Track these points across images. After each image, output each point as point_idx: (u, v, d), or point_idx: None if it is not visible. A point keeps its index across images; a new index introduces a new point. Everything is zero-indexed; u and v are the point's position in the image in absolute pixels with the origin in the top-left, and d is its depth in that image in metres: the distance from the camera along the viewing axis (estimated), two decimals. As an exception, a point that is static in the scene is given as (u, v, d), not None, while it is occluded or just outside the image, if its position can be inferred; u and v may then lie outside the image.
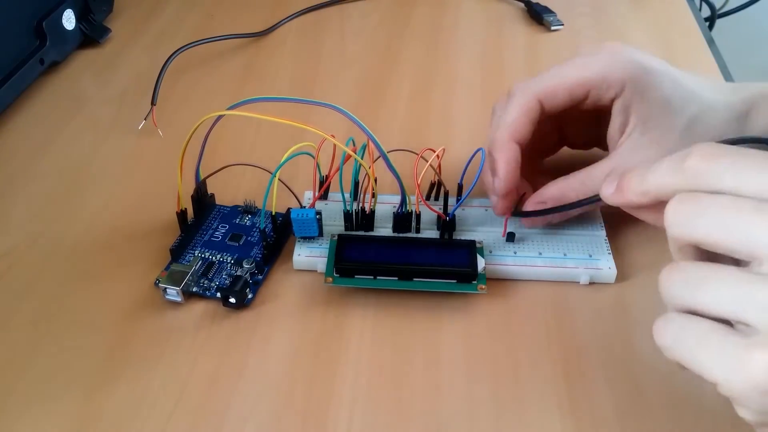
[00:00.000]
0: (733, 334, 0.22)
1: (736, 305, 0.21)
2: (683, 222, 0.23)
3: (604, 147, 0.39)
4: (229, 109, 0.33)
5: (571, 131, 0.40)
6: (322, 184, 0.38)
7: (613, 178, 0.26)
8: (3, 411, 0.30)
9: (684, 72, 0.36)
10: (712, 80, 0.38)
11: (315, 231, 0.36)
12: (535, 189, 0.36)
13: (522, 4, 0.61)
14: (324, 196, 0.39)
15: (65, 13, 0.52)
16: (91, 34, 0.55)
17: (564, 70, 0.35)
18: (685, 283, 0.23)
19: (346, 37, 0.57)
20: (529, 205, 0.36)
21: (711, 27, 0.81)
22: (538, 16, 0.58)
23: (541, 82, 0.35)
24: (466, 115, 0.48)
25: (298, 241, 0.37)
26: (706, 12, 0.81)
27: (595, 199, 0.29)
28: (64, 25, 0.52)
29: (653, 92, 0.34)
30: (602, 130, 0.37)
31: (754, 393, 0.21)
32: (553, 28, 0.57)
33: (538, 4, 0.59)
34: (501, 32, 0.58)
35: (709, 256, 0.23)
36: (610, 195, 0.27)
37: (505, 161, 0.34)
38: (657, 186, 0.24)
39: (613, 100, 0.35)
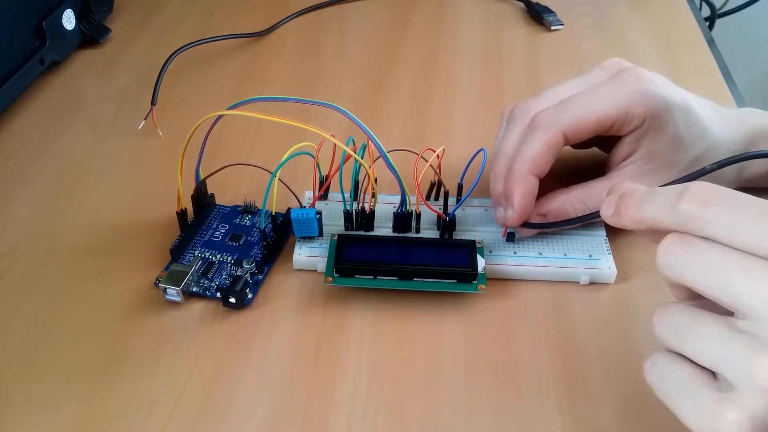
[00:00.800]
0: (709, 387, 0.22)
1: (715, 360, 0.22)
2: (673, 265, 0.24)
3: (604, 149, 0.40)
4: (229, 108, 0.33)
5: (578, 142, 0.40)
6: (322, 183, 0.38)
7: (613, 198, 0.27)
8: (3, 411, 0.30)
9: (700, 101, 0.36)
10: (722, 112, 0.38)
11: (315, 231, 0.36)
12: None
13: (522, 4, 0.61)
14: (324, 196, 0.39)
15: (65, 13, 0.52)
16: (91, 34, 0.55)
17: (590, 102, 0.34)
18: (673, 328, 0.24)
19: (346, 36, 0.57)
20: (531, 217, 0.36)
21: (711, 27, 0.81)
22: (538, 16, 0.58)
23: (567, 116, 0.34)
24: (466, 115, 0.48)
25: (298, 241, 0.37)
26: (706, 12, 0.81)
27: (595, 216, 0.29)
28: (64, 25, 0.52)
29: (668, 128, 0.35)
30: (605, 135, 0.37)
31: None
32: (553, 28, 0.57)
33: (538, 4, 0.59)
34: (501, 32, 0.58)
35: (699, 295, 0.24)
36: (608, 216, 0.27)
37: (522, 194, 0.34)
38: (651, 218, 0.24)
39: (629, 132, 0.35)
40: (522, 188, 0.34)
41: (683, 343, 0.24)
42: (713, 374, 0.23)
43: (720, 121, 0.37)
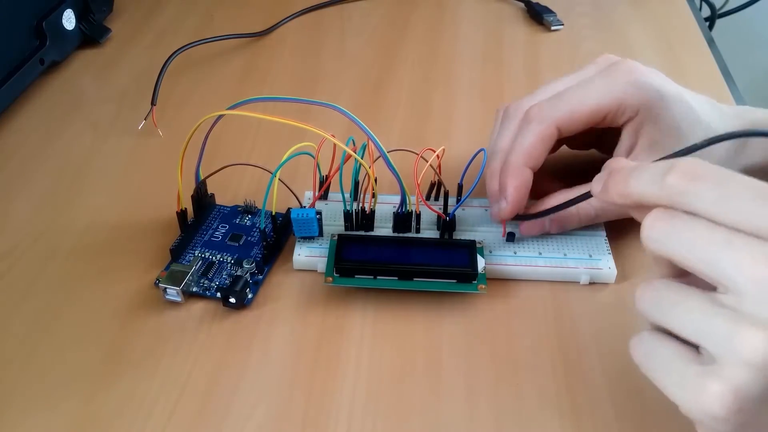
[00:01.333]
0: (693, 362, 0.23)
1: (699, 333, 0.23)
2: (657, 239, 0.24)
3: (603, 150, 0.40)
4: (229, 108, 0.33)
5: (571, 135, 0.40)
6: (322, 183, 0.38)
7: (603, 174, 0.27)
8: (3, 410, 0.30)
9: (694, 95, 0.36)
10: (718, 106, 0.38)
11: (315, 231, 0.36)
12: (533, 187, 0.36)
13: (522, 4, 0.61)
14: (324, 196, 0.39)
15: (65, 13, 0.52)
16: (91, 34, 0.55)
17: (582, 95, 0.35)
18: (657, 303, 0.24)
19: (346, 37, 0.57)
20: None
21: (711, 27, 0.81)
22: (538, 16, 0.58)
23: (559, 109, 0.34)
24: (466, 115, 0.48)
25: (298, 241, 0.37)
26: (706, 12, 0.81)
27: (588, 196, 0.29)
28: (64, 25, 0.52)
29: (664, 117, 0.35)
30: (604, 136, 0.37)
31: (707, 419, 0.22)
32: (553, 28, 0.57)
33: (538, 4, 0.59)
34: (501, 32, 0.58)
35: (683, 270, 0.24)
36: (597, 192, 0.27)
37: (516, 187, 0.34)
38: (638, 193, 0.25)
39: (625, 123, 0.35)
40: (515, 180, 0.34)
41: (666, 317, 0.24)
42: (697, 349, 0.23)
43: (715, 113, 0.37)
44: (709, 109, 0.36)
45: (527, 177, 0.35)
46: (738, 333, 0.21)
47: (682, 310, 0.23)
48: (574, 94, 0.35)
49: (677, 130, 0.35)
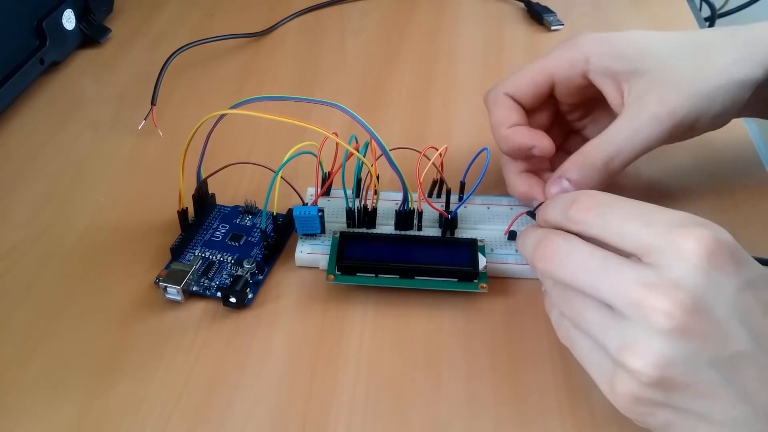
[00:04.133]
0: (606, 359, 0.26)
1: (602, 340, 0.26)
2: (545, 269, 0.28)
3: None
4: (231, 108, 0.33)
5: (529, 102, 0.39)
6: (324, 181, 0.38)
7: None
8: (3, 410, 0.30)
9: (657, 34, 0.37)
10: (702, 34, 0.37)
11: (317, 228, 0.36)
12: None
13: (522, 4, 0.61)
14: (327, 193, 0.39)
15: (65, 13, 0.52)
16: (91, 34, 0.55)
17: (527, 66, 0.37)
18: (562, 298, 0.29)
19: (346, 36, 0.57)
20: (553, 187, 0.35)
21: (711, 27, 0.81)
22: (538, 16, 0.58)
23: (507, 80, 0.37)
24: (466, 114, 0.48)
25: (301, 238, 0.37)
26: (706, 12, 0.81)
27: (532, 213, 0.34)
28: (64, 25, 0.52)
29: (621, 46, 0.35)
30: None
31: (623, 409, 0.26)
32: (553, 28, 0.57)
33: (538, 4, 0.59)
34: (501, 32, 0.58)
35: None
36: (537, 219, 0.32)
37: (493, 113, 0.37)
38: (552, 221, 0.29)
39: (585, 76, 0.36)
40: (495, 108, 0.37)
41: (574, 327, 0.28)
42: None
43: (683, 39, 0.36)
44: (670, 37, 0.36)
45: (508, 101, 0.37)
46: (624, 352, 0.25)
47: (583, 320, 0.27)
48: (525, 66, 0.37)
49: (645, 46, 0.35)
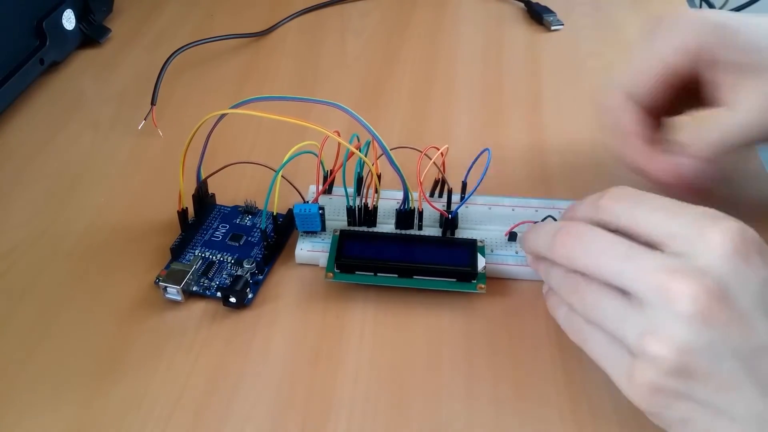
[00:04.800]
0: (622, 350, 0.26)
1: (619, 331, 0.26)
2: (566, 254, 0.28)
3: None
4: (231, 108, 0.33)
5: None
6: (325, 179, 0.38)
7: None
8: (3, 410, 0.30)
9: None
10: None
11: (318, 226, 0.36)
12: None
13: (522, 4, 0.60)
14: (328, 191, 0.39)
15: (65, 13, 0.52)
16: (91, 34, 0.55)
17: (644, 58, 0.34)
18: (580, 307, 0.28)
19: (346, 37, 0.57)
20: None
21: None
22: (538, 16, 0.58)
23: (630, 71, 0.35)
24: (467, 114, 0.48)
25: (301, 236, 0.37)
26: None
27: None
28: (64, 25, 0.52)
29: (732, 34, 0.33)
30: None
31: (641, 402, 0.26)
32: (553, 28, 0.57)
33: (538, 4, 0.59)
34: (501, 32, 0.58)
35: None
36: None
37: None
38: (580, 215, 0.29)
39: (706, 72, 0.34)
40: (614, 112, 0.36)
41: (586, 322, 0.28)
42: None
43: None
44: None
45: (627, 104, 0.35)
46: (645, 338, 0.25)
47: (601, 309, 0.27)
48: (639, 59, 0.35)
49: (758, 52, 0.33)
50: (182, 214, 0.37)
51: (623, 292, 0.26)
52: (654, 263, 0.25)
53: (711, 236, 0.25)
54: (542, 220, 0.35)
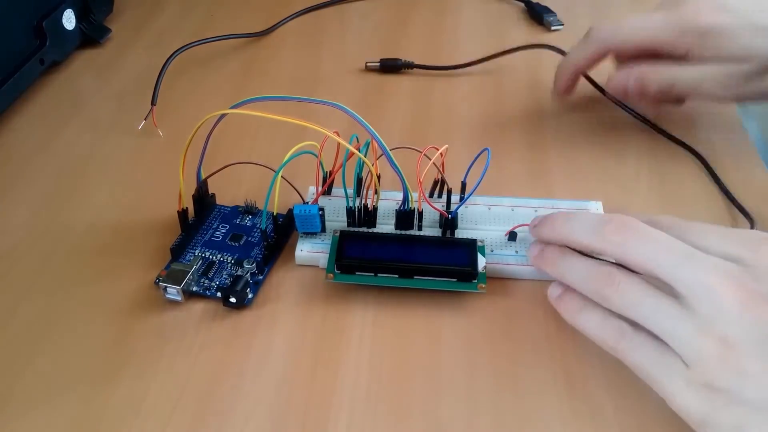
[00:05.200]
0: (674, 357, 0.27)
1: (668, 330, 0.27)
2: (625, 244, 0.29)
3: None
4: (231, 108, 0.33)
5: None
6: (325, 179, 0.38)
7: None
8: (3, 410, 0.30)
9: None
10: None
11: (317, 227, 0.36)
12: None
13: (522, 4, 0.61)
14: (328, 192, 0.39)
15: (65, 13, 0.52)
16: (91, 34, 0.55)
17: (639, 26, 0.40)
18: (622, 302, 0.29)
19: (346, 37, 0.57)
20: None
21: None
22: (538, 16, 0.58)
23: (615, 35, 0.41)
24: (467, 114, 0.48)
25: (301, 237, 0.37)
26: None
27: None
28: (64, 25, 0.52)
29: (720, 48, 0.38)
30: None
31: (697, 407, 0.26)
32: (553, 28, 0.57)
33: (538, 4, 0.59)
34: (501, 32, 0.58)
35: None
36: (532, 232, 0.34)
37: (559, 86, 0.45)
38: (576, 241, 0.31)
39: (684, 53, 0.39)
40: (560, 81, 0.45)
41: (633, 331, 0.28)
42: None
43: None
44: None
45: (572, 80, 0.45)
46: (701, 336, 0.26)
47: (649, 314, 0.27)
48: (633, 24, 0.40)
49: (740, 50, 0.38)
50: (182, 214, 0.37)
51: (667, 291, 0.27)
52: (710, 263, 0.26)
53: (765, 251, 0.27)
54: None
